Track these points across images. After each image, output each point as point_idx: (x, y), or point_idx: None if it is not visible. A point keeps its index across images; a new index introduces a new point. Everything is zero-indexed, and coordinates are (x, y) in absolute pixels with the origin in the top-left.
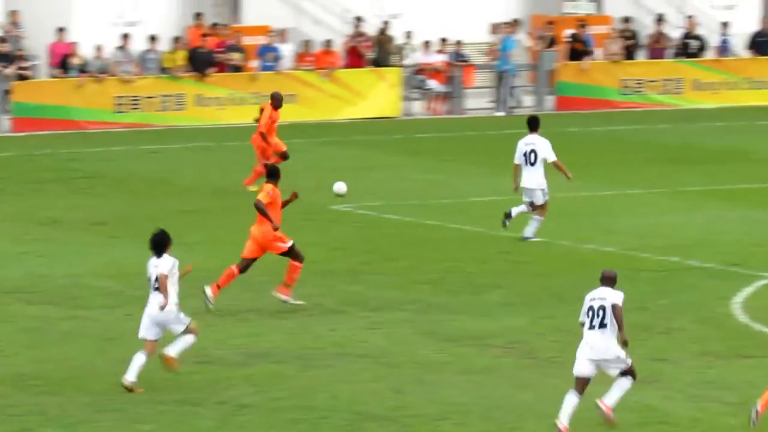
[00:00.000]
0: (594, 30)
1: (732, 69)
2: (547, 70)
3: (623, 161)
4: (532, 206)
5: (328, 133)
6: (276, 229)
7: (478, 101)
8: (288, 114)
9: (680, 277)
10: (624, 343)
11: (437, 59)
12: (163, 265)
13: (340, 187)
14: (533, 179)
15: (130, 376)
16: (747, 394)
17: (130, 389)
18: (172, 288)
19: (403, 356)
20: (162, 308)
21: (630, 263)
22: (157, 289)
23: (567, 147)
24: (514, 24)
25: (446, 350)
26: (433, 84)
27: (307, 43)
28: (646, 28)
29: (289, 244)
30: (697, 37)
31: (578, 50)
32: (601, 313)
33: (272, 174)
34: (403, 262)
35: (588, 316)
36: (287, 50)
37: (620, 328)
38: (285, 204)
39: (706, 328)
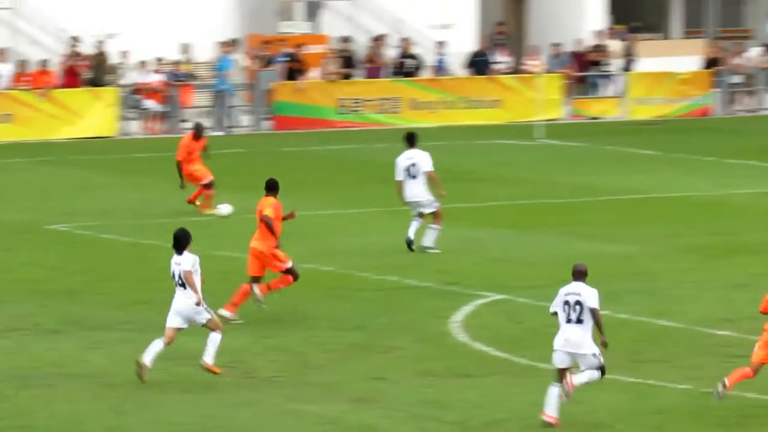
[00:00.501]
0: (311, 49)
1: (449, 88)
2: (264, 89)
3: (342, 181)
4: (421, 216)
5: (45, 153)
6: (277, 246)
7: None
8: (5, 134)
9: (399, 297)
10: (604, 345)
11: (154, 79)
12: (185, 262)
13: (224, 209)
14: (417, 192)
15: (146, 359)
16: (466, 414)
17: (140, 371)
18: (197, 282)
19: (123, 376)
20: (197, 304)
21: (349, 282)
22: (182, 285)
23: (285, 167)
24: (231, 43)
25: (166, 369)
26: (150, 104)
27: (23, 63)
28: (362, 47)
29: (289, 264)
30: (413, 57)
31: (295, 70)
32: (577, 308)
33: (272, 187)
34: (121, 282)
35: (564, 311)
36: (4, 70)
37: (600, 330)
38: (284, 219)
39: (426, 347)
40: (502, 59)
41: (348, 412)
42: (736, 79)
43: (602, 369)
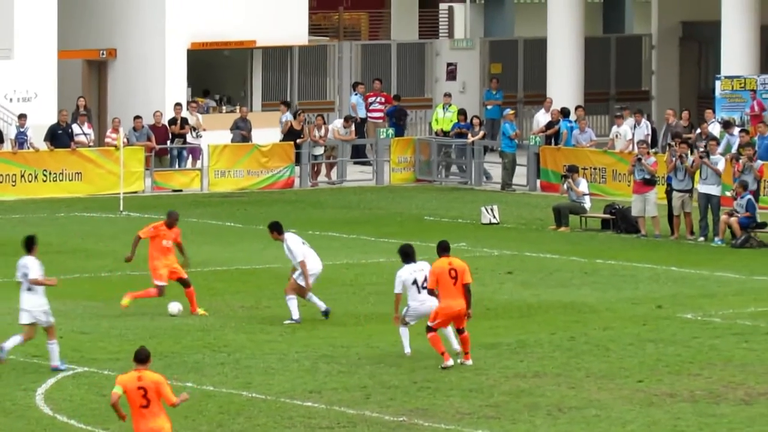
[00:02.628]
0: None
1: (30, 161)
2: None
3: None
4: None
5: None
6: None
7: None
8: None
9: None
10: None
11: None
12: (426, 267)
13: (174, 308)
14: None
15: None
16: None
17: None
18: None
19: None
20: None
21: None
22: (425, 288)
23: None
24: None
25: None
26: None
27: None
28: None
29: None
30: None
31: None
32: None
33: (448, 249)
34: None
35: None
36: None
37: None
38: None
39: (10, 421)
40: (83, 132)
41: None
42: (318, 151)
43: None
